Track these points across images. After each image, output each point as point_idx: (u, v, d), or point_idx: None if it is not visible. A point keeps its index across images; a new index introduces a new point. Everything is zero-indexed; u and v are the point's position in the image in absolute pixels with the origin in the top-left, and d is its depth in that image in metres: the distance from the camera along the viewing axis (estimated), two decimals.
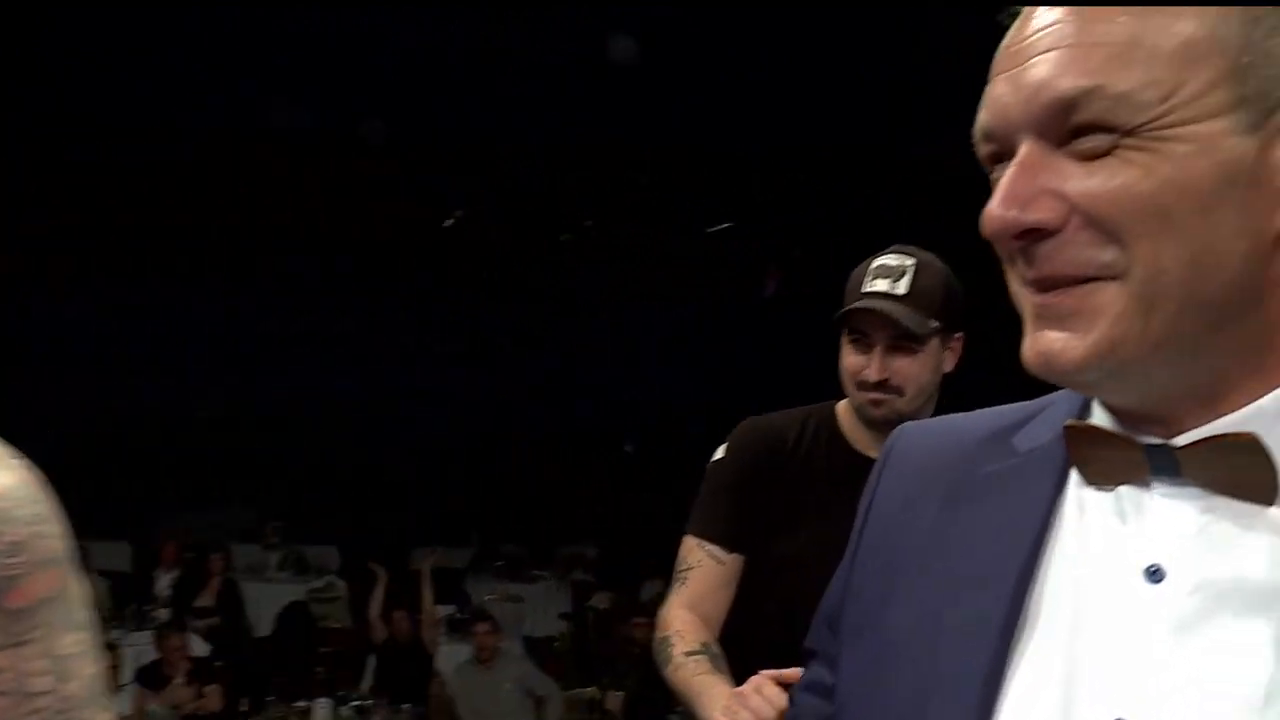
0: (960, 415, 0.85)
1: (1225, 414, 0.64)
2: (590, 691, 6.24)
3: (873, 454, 1.75)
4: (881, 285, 1.73)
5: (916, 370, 1.74)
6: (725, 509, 1.83)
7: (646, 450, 12.06)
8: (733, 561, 1.81)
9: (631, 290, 8.85)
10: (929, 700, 0.69)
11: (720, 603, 1.80)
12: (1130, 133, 0.61)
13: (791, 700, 0.98)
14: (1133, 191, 0.61)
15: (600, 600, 8.38)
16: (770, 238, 8.00)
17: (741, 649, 1.70)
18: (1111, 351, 0.62)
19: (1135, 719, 0.62)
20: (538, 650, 7.66)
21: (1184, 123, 0.61)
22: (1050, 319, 0.64)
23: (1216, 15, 0.62)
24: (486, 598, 8.23)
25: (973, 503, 0.74)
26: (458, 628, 7.02)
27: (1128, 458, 0.66)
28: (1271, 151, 0.62)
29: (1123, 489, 0.67)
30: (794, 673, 1.45)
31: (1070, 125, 0.62)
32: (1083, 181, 0.62)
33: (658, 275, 8.56)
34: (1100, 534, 0.68)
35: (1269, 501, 0.62)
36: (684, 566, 1.83)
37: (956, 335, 1.81)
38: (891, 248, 1.80)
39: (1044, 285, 0.64)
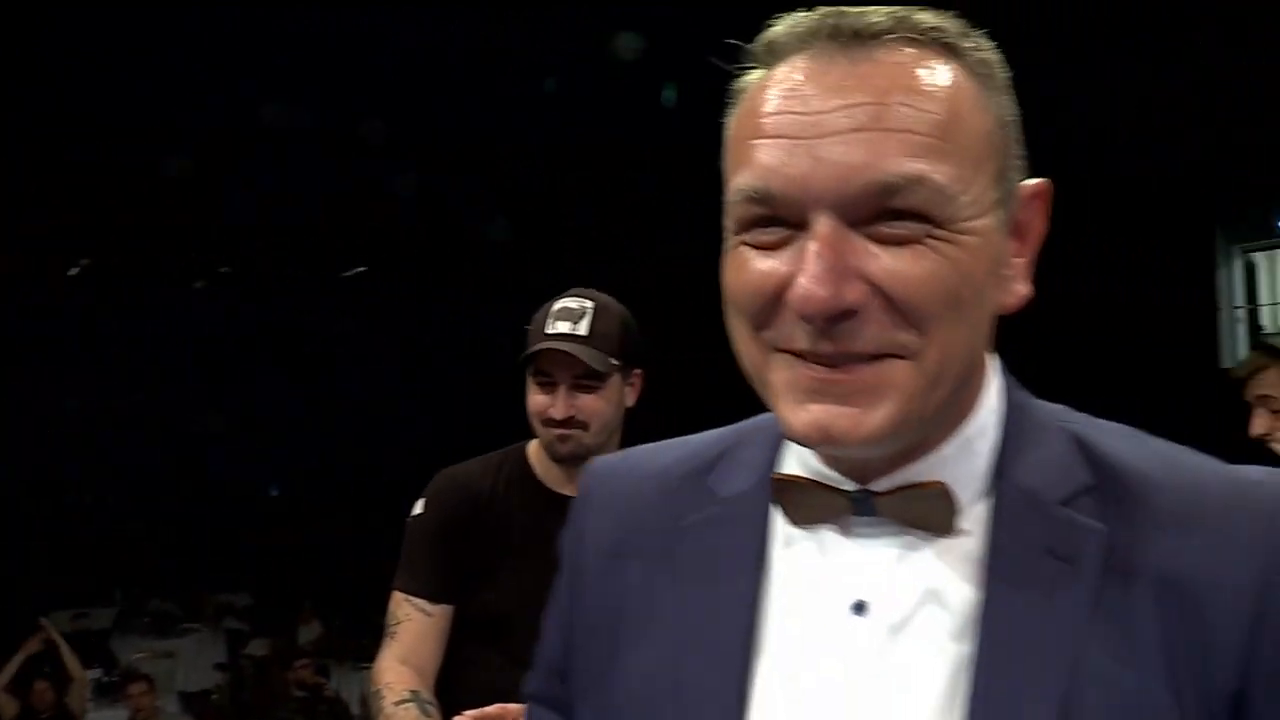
0: (649, 449, 0.87)
1: (915, 461, 0.70)
2: None
3: (565, 491, 1.85)
4: (563, 327, 1.80)
5: (600, 406, 1.82)
6: (427, 562, 1.86)
7: (291, 493, 12.09)
8: (440, 612, 1.85)
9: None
10: None
11: (431, 653, 1.84)
12: (940, 224, 0.63)
13: None
14: (939, 280, 0.63)
15: (257, 647, 8.12)
16: None
17: (457, 694, 1.72)
18: (900, 426, 0.65)
19: None
20: (195, 705, 7.47)
21: (975, 217, 0.65)
22: (831, 394, 0.65)
23: (993, 117, 0.67)
24: (135, 656, 7.88)
25: (682, 560, 0.76)
26: (106, 691, 6.71)
27: (832, 503, 0.71)
28: (1005, 237, 0.69)
29: (826, 530, 0.72)
30: (496, 709, 1.47)
31: (883, 209, 0.63)
32: (889, 265, 0.63)
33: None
34: (809, 575, 0.72)
35: (949, 532, 0.69)
36: (393, 621, 1.87)
37: (636, 371, 1.89)
38: (570, 291, 1.88)
39: (835, 361, 0.64)
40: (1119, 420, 0.78)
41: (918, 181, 0.62)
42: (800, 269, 0.63)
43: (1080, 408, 0.83)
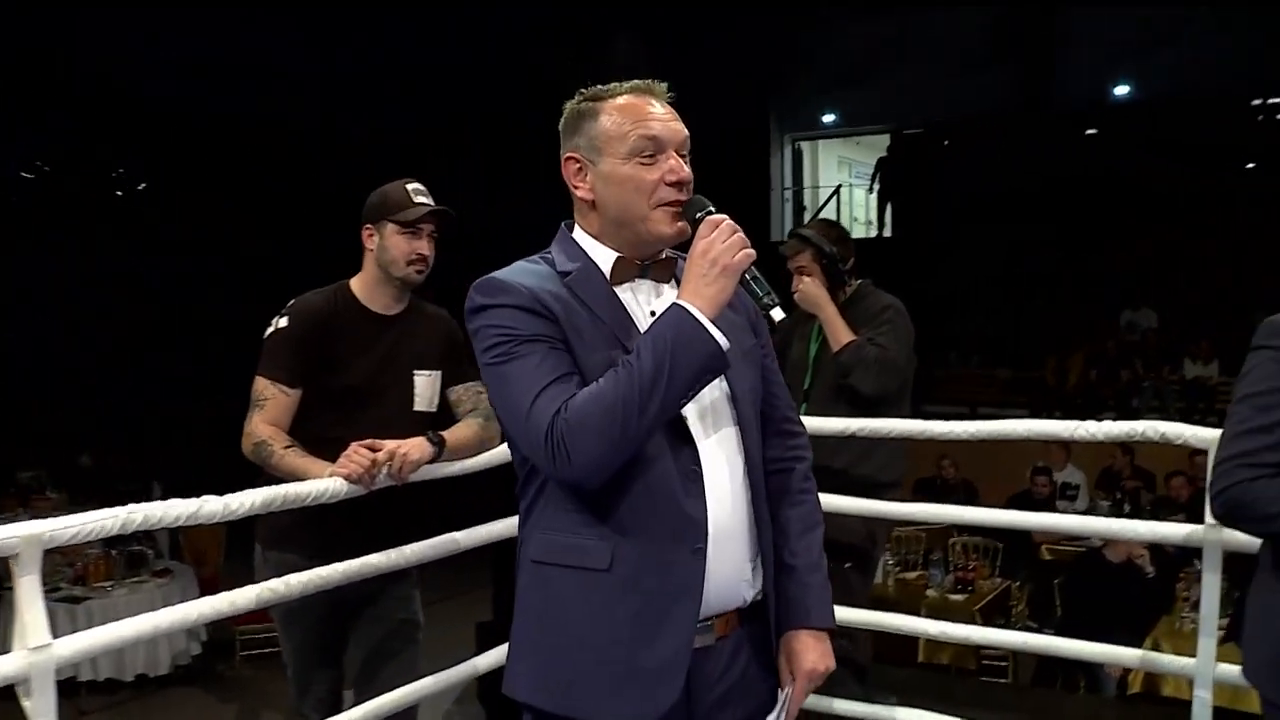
0: (506, 272, 1.67)
1: (660, 258, 1.72)
2: None
3: (382, 311, 2.64)
4: (423, 198, 2.61)
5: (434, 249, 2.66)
6: (286, 359, 2.54)
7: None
8: (295, 393, 2.56)
9: None
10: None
11: (287, 420, 2.55)
12: (685, 155, 1.68)
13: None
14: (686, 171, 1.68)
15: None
16: None
17: (306, 445, 2.49)
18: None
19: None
20: None
21: (690, 153, 1.71)
22: (678, 219, 1.66)
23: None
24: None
25: (574, 298, 1.65)
26: None
27: (632, 270, 1.70)
28: None
29: (629, 284, 1.71)
30: (368, 442, 2.40)
31: (684, 149, 1.67)
32: (685, 167, 1.67)
33: None
34: (631, 300, 1.70)
35: (670, 280, 1.74)
36: (261, 398, 2.54)
37: None
38: (405, 179, 2.64)
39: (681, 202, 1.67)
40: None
41: (688, 138, 1.67)
42: (669, 168, 1.64)
43: None
